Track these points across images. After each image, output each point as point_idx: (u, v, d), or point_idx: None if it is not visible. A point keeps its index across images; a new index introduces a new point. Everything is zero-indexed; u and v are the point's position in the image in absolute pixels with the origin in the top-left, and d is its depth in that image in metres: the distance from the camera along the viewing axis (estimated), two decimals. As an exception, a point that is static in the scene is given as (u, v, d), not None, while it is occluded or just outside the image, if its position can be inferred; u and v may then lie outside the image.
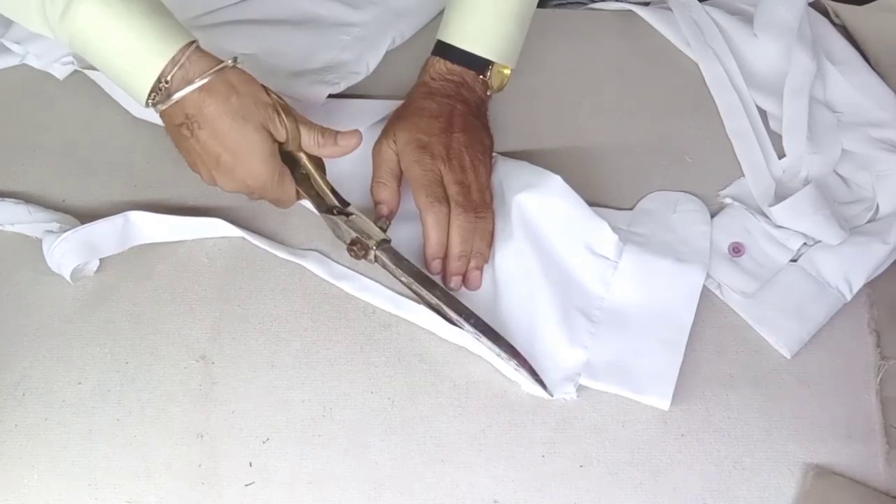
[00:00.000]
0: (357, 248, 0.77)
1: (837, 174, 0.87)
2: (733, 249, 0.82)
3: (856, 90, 0.90)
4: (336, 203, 0.79)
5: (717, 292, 0.80)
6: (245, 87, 0.74)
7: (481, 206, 0.79)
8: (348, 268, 0.80)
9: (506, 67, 0.85)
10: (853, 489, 0.71)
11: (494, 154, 0.85)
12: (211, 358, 0.76)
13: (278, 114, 0.75)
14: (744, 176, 0.86)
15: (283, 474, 0.71)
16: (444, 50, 0.84)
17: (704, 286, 0.79)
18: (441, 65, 0.84)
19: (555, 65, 0.95)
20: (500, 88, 0.86)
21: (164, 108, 0.72)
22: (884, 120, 0.88)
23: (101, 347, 0.76)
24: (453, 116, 0.82)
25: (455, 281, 0.79)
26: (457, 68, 0.84)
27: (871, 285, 0.81)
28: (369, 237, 0.77)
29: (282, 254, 0.80)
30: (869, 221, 0.84)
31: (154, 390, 0.74)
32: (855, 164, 0.87)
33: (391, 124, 0.83)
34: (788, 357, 0.78)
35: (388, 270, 0.78)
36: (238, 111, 0.73)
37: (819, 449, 0.73)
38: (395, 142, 0.81)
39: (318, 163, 0.80)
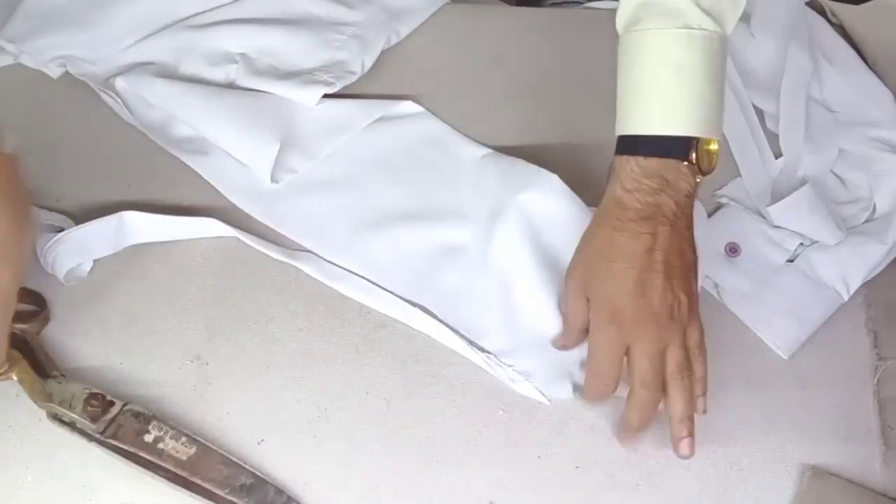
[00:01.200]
0: (97, 403, 0.70)
1: (834, 174, 0.87)
2: (730, 249, 0.82)
3: (853, 90, 0.90)
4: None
5: (713, 292, 0.80)
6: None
7: (677, 372, 0.69)
8: (342, 268, 0.80)
9: (712, 141, 0.69)
10: (850, 490, 0.71)
11: (489, 151, 0.84)
12: (206, 359, 0.75)
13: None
14: (740, 176, 0.86)
15: (278, 475, 0.70)
16: (630, 145, 0.70)
17: (701, 286, 0.79)
18: (632, 165, 0.69)
19: (551, 64, 0.94)
20: (711, 170, 0.70)
21: None
22: (881, 119, 0.88)
23: (94, 348, 0.75)
24: (654, 253, 0.68)
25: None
26: (653, 163, 0.68)
27: (869, 285, 0.81)
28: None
29: (276, 254, 0.80)
30: (866, 221, 0.84)
31: (148, 391, 0.73)
32: (852, 164, 0.86)
33: (580, 268, 0.72)
34: (785, 357, 0.78)
35: (118, 440, 0.70)
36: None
37: (816, 449, 0.73)
38: (587, 297, 0.71)
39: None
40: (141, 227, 0.79)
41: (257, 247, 0.80)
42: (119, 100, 0.87)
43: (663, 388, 0.69)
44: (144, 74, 0.88)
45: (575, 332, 0.73)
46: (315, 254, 0.81)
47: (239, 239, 0.80)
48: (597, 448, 0.73)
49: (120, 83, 0.87)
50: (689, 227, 0.71)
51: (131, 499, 0.69)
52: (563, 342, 0.75)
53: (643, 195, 0.69)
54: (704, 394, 0.71)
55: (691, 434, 0.69)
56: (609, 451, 0.73)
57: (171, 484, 0.68)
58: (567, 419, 0.74)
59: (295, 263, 0.79)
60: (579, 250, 0.73)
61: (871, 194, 0.85)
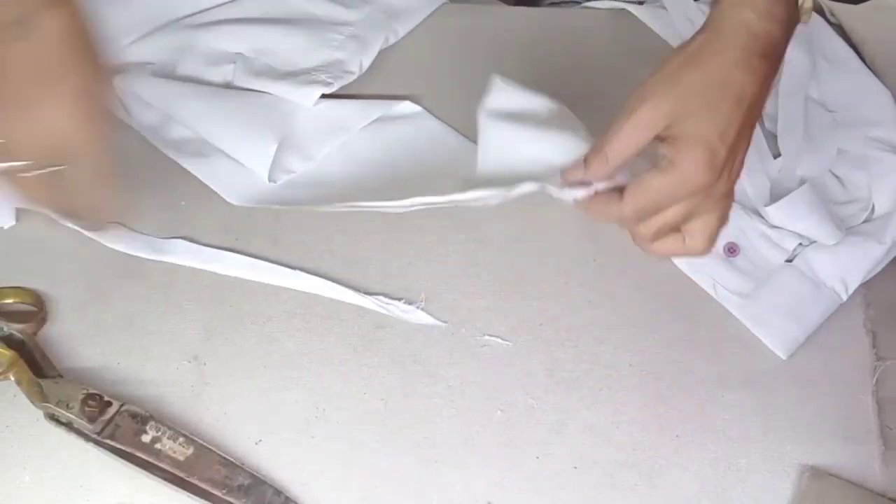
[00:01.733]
0: (95, 403, 0.70)
1: (833, 174, 0.87)
2: (728, 249, 0.82)
3: (852, 89, 0.90)
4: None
5: (711, 292, 0.80)
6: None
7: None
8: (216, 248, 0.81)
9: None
10: (849, 490, 0.71)
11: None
12: (203, 359, 0.75)
13: None
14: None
15: (276, 475, 0.70)
16: None
17: (698, 286, 0.79)
18: None
19: (548, 64, 0.94)
20: (801, 21, 0.62)
21: None
22: (880, 119, 0.88)
23: (92, 348, 0.75)
24: (758, 102, 0.59)
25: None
26: None
27: (868, 285, 0.81)
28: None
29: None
30: (865, 221, 0.84)
31: (146, 391, 0.73)
32: (851, 164, 0.86)
33: (670, 97, 0.60)
34: (784, 358, 0.77)
35: (115, 440, 0.69)
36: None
37: (815, 450, 0.73)
38: (666, 125, 0.59)
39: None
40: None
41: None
42: (116, 100, 0.87)
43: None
44: (142, 74, 0.88)
45: (615, 164, 0.62)
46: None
47: (236, 238, 0.80)
48: (595, 448, 0.73)
49: (117, 83, 0.87)
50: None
51: (129, 499, 0.69)
52: (594, 171, 0.62)
53: (772, 24, 0.58)
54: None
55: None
56: (608, 452, 0.72)
57: (169, 484, 0.68)
58: (566, 420, 0.74)
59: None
60: (672, 76, 0.61)
61: (870, 194, 0.84)
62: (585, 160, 0.63)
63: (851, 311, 0.80)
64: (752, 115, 0.59)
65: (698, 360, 0.77)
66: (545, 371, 0.76)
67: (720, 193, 0.62)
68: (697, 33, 0.62)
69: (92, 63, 0.61)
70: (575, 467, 0.72)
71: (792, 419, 0.75)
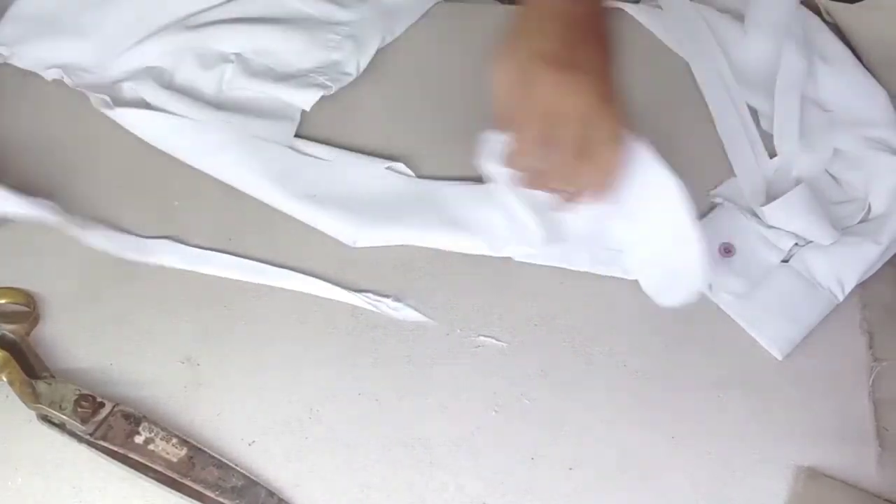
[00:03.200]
0: (88, 404, 0.69)
1: (829, 174, 0.87)
2: (724, 250, 0.81)
3: (848, 89, 0.89)
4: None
5: (707, 292, 0.80)
6: None
7: None
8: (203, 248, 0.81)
9: None
10: (846, 491, 0.71)
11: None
12: (197, 359, 0.75)
13: None
14: (735, 175, 0.86)
15: (270, 476, 0.70)
16: None
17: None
18: None
19: (545, 63, 0.94)
20: None
21: None
22: (876, 119, 0.88)
23: (85, 349, 0.75)
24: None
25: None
26: None
27: (864, 286, 0.81)
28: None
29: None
30: (861, 221, 0.84)
31: (139, 392, 0.73)
32: (847, 164, 0.86)
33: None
34: (780, 358, 0.77)
35: (108, 441, 0.69)
36: None
37: (811, 451, 0.73)
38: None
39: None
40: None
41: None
42: (117, 111, 0.86)
43: None
44: (146, 82, 0.87)
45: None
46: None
47: (230, 239, 0.80)
48: (590, 449, 0.72)
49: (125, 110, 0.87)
50: None
51: (121, 501, 0.69)
52: None
53: None
54: None
55: None
56: (603, 453, 0.72)
57: (162, 486, 0.68)
58: (561, 420, 0.74)
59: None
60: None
61: (866, 194, 0.84)
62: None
63: (848, 312, 0.80)
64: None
65: (693, 360, 0.77)
66: (540, 372, 0.76)
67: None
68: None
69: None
70: (570, 468, 0.72)
71: (788, 420, 0.74)
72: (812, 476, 0.71)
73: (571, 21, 0.68)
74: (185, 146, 0.84)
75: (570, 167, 0.69)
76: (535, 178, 0.73)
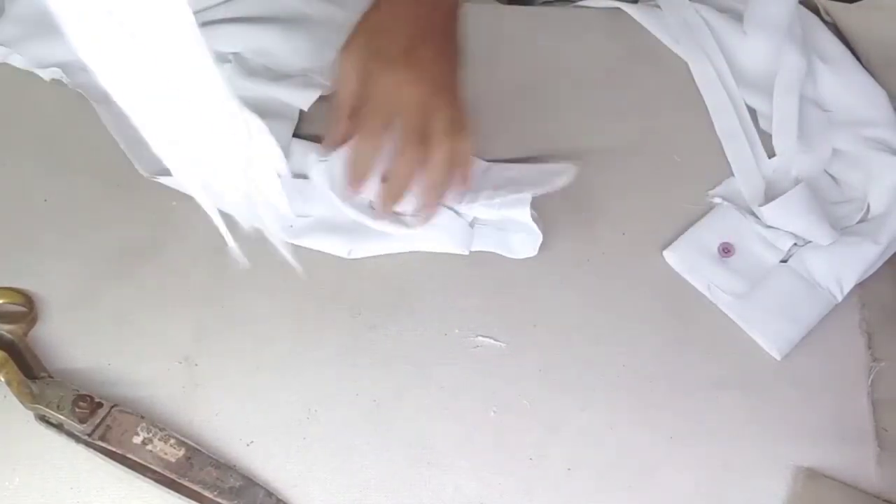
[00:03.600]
0: (86, 405, 0.69)
1: (828, 174, 0.86)
2: (723, 250, 0.81)
3: (847, 89, 0.89)
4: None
5: (706, 293, 0.80)
6: None
7: None
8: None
9: None
10: (844, 492, 0.71)
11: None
12: (194, 360, 0.75)
13: None
14: (734, 175, 0.86)
15: (268, 477, 0.70)
16: None
17: (693, 287, 0.79)
18: None
19: (542, 63, 0.94)
20: None
21: None
22: (875, 119, 0.88)
23: (83, 349, 0.75)
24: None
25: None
26: None
27: (863, 286, 0.81)
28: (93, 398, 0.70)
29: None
30: (860, 221, 0.84)
31: (137, 392, 0.73)
32: (846, 164, 0.86)
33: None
34: (779, 358, 0.77)
35: (106, 441, 0.69)
36: None
37: (810, 451, 0.73)
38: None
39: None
40: None
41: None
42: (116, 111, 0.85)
43: None
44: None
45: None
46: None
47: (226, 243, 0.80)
48: (589, 450, 0.72)
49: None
50: None
51: (119, 501, 0.68)
52: None
53: None
54: None
55: None
56: (601, 453, 0.72)
57: (160, 486, 0.68)
58: (559, 421, 0.74)
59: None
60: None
61: (865, 194, 0.84)
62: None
63: (847, 312, 0.80)
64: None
65: (692, 361, 0.77)
66: (539, 372, 0.76)
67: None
68: None
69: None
70: (568, 469, 0.72)
71: (787, 420, 0.74)
72: (811, 476, 0.71)
73: (414, 21, 0.75)
74: None
75: (414, 153, 0.74)
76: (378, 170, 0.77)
